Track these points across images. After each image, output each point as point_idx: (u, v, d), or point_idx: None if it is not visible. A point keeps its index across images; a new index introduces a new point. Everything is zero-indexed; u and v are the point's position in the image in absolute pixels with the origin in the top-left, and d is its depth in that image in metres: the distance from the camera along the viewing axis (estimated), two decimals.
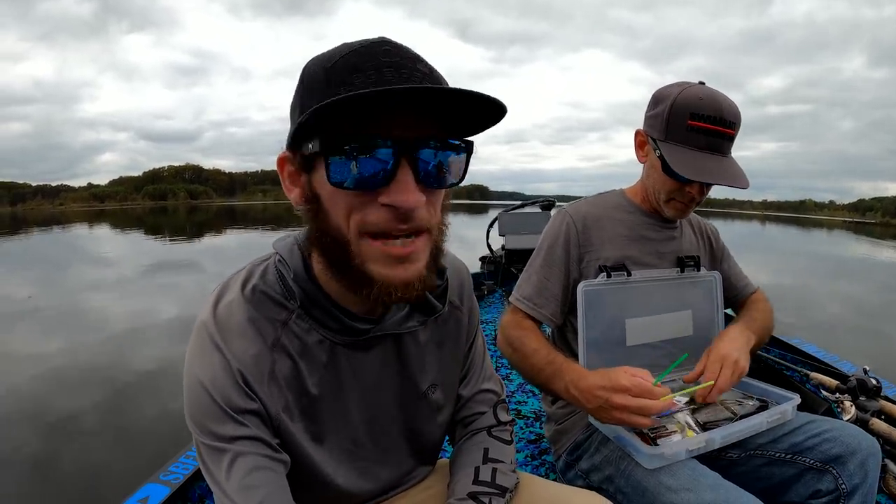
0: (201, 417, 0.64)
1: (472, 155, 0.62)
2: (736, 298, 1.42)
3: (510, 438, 0.90)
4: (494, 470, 0.81)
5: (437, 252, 0.65)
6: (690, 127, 1.09)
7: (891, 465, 1.35)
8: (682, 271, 1.28)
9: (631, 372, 0.97)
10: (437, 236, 0.64)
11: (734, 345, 1.11)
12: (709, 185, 1.17)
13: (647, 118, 1.19)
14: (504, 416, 0.92)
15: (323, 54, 0.60)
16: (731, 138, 1.12)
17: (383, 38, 0.59)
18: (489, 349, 0.91)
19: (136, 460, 2.92)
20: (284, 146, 0.63)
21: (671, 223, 1.29)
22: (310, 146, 0.57)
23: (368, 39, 0.59)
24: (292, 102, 0.62)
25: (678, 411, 1.11)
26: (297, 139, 0.59)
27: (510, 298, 1.26)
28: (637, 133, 1.24)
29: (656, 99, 1.17)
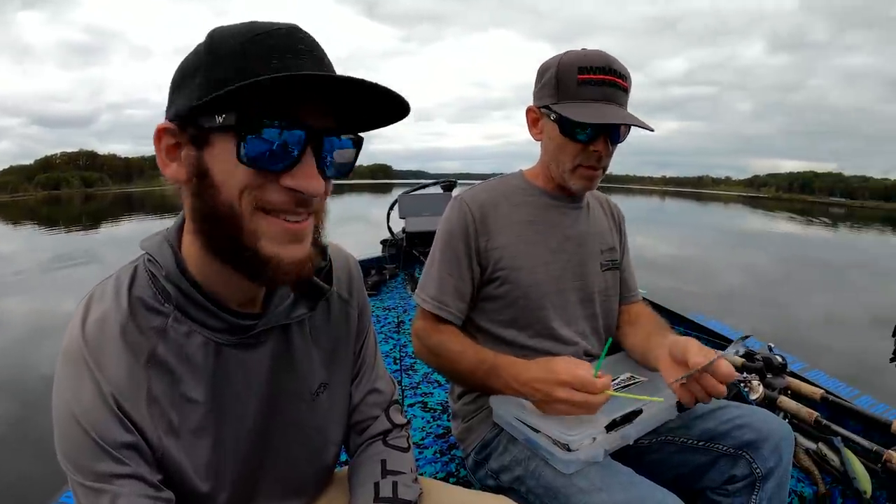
0: (75, 454, 0.58)
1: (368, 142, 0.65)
2: (623, 300, 1.31)
3: (408, 444, 0.86)
4: (395, 483, 0.78)
5: (318, 233, 0.66)
6: (581, 81, 1.05)
7: (800, 439, 1.37)
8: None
9: (573, 363, 0.92)
10: (321, 217, 0.65)
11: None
12: (614, 142, 1.09)
13: (536, 92, 1.14)
14: (399, 419, 0.88)
15: (234, 27, 0.58)
16: (625, 91, 1.07)
17: (296, 24, 0.59)
18: (393, 338, 0.82)
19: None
20: (165, 116, 0.58)
21: (577, 202, 1.21)
22: (218, 119, 0.55)
23: (282, 23, 0.58)
24: (184, 71, 0.58)
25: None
26: (195, 111, 0.55)
27: (415, 299, 1.17)
28: (529, 110, 1.17)
29: (542, 71, 1.13)
